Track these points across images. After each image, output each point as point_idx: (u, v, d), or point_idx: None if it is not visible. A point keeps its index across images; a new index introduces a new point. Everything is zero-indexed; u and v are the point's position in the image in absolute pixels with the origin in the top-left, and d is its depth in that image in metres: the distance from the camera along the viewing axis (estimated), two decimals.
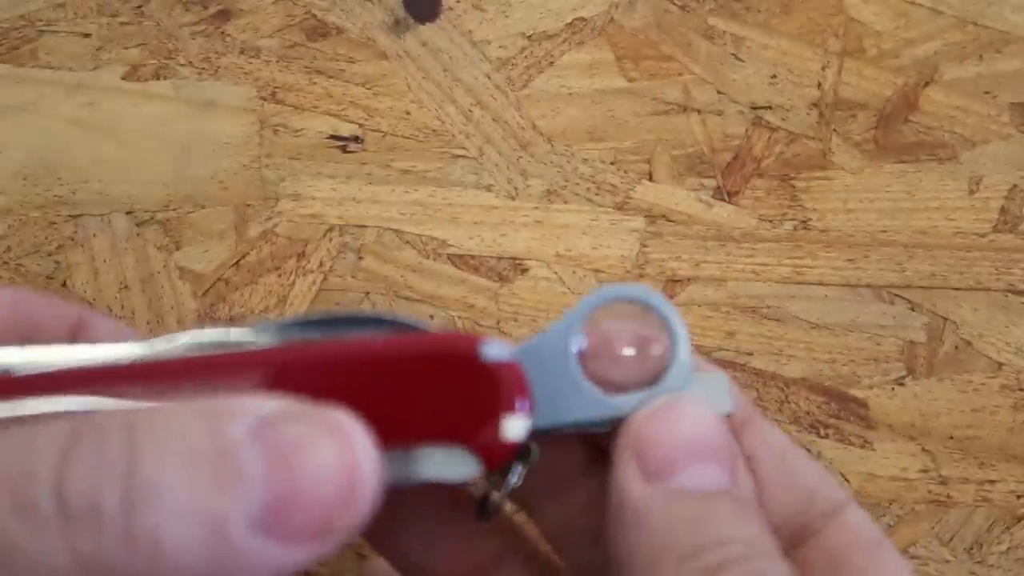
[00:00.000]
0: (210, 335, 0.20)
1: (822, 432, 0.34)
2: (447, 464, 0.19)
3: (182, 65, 0.37)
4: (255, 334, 0.20)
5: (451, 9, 0.38)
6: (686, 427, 0.19)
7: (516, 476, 0.21)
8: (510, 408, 0.19)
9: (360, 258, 0.36)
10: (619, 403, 0.20)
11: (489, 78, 0.37)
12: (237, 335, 0.20)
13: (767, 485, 0.21)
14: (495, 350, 0.19)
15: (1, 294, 0.24)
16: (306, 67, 0.38)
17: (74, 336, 0.25)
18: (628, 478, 0.19)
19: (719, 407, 0.21)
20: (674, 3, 0.38)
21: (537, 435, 0.20)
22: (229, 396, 0.17)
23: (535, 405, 0.20)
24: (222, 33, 0.38)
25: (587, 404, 0.20)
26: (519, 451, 0.20)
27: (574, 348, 0.21)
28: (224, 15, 0.38)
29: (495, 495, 0.21)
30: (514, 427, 0.19)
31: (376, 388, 0.18)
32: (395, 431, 0.18)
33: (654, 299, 0.21)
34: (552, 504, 0.23)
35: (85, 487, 0.15)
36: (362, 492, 0.16)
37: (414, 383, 0.19)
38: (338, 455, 0.16)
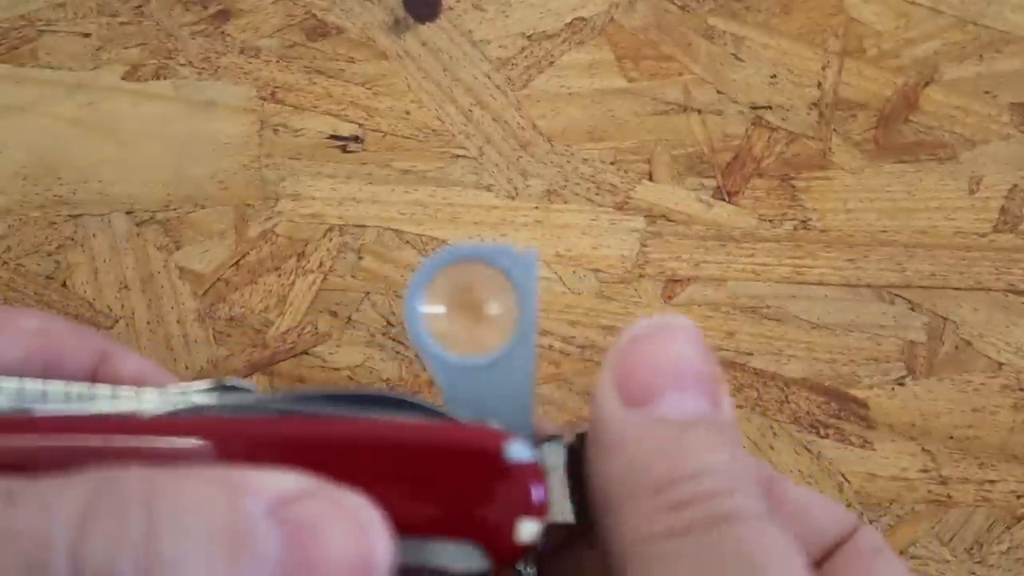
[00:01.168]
0: (229, 399, 0.20)
1: (822, 432, 0.34)
2: (455, 555, 0.18)
3: (182, 65, 0.37)
4: (276, 400, 0.20)
5: (451, 9, 0.38)
6: (668, 351, 0.19)
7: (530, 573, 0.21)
8: (527, 511, 0.19)
9: (360, 258, 0.36)
10: (455, 360, 0.20)
11: (489, 78, 0.37)
12: (255, 398, 0.20)
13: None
14: (519, 451, 0.19)
15: (28, 320, 0.24)
16: (306, 67, 0.38)
17: (96, 369, 0.25)
18: (608, 402, 0.19)
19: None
20: (674, 3, 0.38)
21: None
22: (248, 467, 0.16)
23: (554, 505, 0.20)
24: (222, 33, 0.38)
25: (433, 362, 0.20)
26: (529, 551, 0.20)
27: (420, 311, 0.20)
28: (224, 15, 0.38)
29: None
30: (529, 530, 0.18)
31: (394, 473, 0.18)
32: (408, 519, 0.18)
33: (486, 253, 0.20)
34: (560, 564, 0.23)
35: (101, 558, 0.15)
36: None
37: (433, 473, 0.18)
38: (354, 542, 0.16)
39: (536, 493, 0.19)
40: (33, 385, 0.20)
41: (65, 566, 0.14)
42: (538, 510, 0.19)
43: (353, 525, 0.16)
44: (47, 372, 0.24)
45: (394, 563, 0.16)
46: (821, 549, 0.21)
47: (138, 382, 0.24)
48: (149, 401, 0.20)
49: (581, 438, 0.20)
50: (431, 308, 0.21)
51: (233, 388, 0.21)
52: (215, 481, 0.16)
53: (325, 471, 0.17)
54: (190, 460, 0.17)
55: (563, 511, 0.20)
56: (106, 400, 0.20)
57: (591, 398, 0.19)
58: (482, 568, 0.19)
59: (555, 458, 0.20)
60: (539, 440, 0.20)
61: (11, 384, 0.20)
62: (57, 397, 0.20)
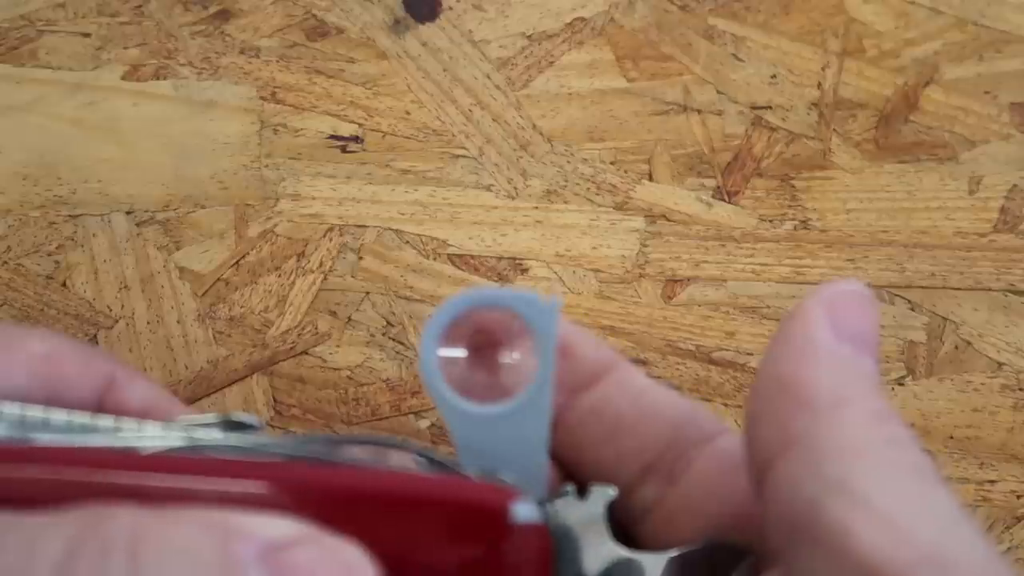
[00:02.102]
0: (232, 437, 0.20)
1: None
2: None
3: (182, 65, 0.37)
4: (279, 443, 0.19)
5: (451, 9, 0.38)
6: (867, 316, 0.20)
7: None
8: (531, 574, 0.18)
9: (360, 258, 0.36)
10: (478, 411, 0.19)
11: (489, 78, 0.37)
12: (258, 440, 0.19)
13: (623, 423, 0.21)
14: (526, 512, 0.18)
15: (34, 343, 0.24)
16: (306, 67, 0.38)
17: (102, 395, 0.24)
18: (821, 328, 0.19)
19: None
20: (674, 3, 0.38)
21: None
22: (240, 510, 0.16)
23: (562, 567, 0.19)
24: (222, 33, 0.38)
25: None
26: None
27: (435, 363, 0.20)
28: (224, 15, 0.38)
29: None
30: None
31: (396, 526, 0.17)
32: (404, 572, 0.17)
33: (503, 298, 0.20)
34: None
35: None
36: None
37: (435, 528, 0.18)
38: None
39: (542, 557, 0.18)
40: (35, 413, 0.20)
41: None
42: (542, 573, 0.18)
43: None
44: (51, 397, 0.23)
45: None
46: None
47: (144, 411, 0.24)
48: (151, 436, 0.20)
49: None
50: (447, 352, 0.20)
51: (239, 424, 0.21)
52: (205, 523, 0.16)
53: (323, 520, 0.17)
54: (184, 500, 0.17)
55: (608, 553, 0.19)
56: (107, 433, 0.20)
57: (790, 314, 0.20)
58: None
59: (575, 511, 0.19)
60: (554, 493, 0.20)
61: (13, 410, 0.20)
62: (59, 426, 0.20)
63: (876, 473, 0.17)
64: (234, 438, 0.20)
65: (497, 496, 0.18)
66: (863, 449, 0.17)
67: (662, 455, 0.21)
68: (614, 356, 0.23)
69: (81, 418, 0.20)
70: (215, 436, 0.20)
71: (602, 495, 0.19)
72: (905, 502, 0.17)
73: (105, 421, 0.20)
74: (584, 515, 0.19)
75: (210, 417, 0.20)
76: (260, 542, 0.16)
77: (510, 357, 0.20)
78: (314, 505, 0.17)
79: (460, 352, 0.20)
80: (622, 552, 0.19)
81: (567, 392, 0.22)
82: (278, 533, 0.16)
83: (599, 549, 0.19)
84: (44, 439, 0.19)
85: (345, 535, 0.16)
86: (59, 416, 0.20)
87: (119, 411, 0.24)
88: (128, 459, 0.18)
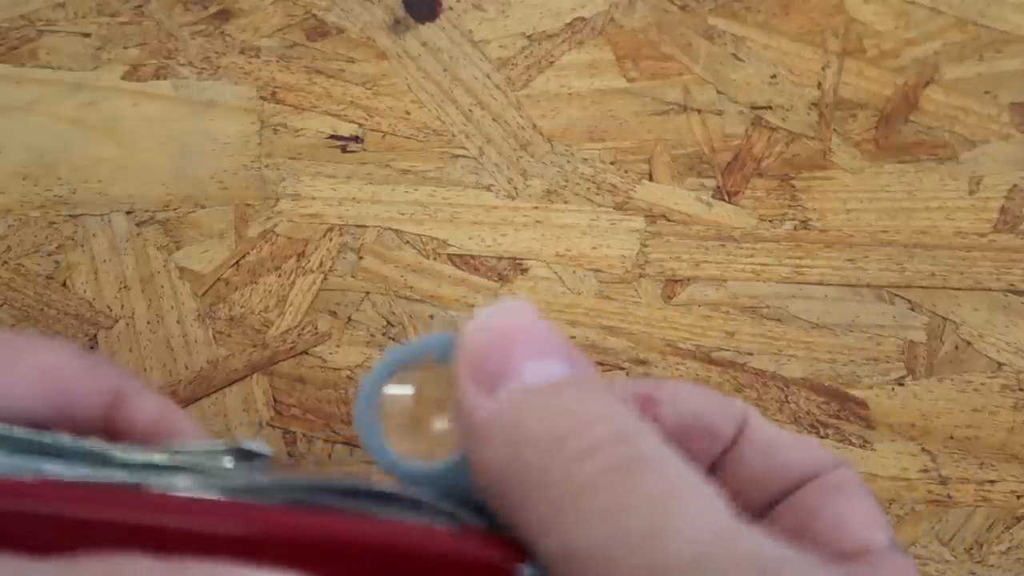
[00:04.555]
0: (241, 471, 0.19)
1: (822, 432, 0.34)
2: None
3: (182, 65, 0.37)
4: (288, 484, 0.19)
5: (451, 9, 0.38)
6: (514, 328, 0.18)
7: None
8: None
9: (360, 258, 0.36)
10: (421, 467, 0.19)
11: (489, 78, 0.37)
12: (268, 482, 0.19)
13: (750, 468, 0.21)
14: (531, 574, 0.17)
15: (39, 355, 0.23)
16: (306, 67, 0.38)
17: (110, 411, 0.24)
18: (470, 396, 0.17)
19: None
20: (674, 3, 0.38)
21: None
22: (251, 565, 0.16)
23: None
24: (222, 33, 0.38)
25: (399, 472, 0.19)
26: None
27: (374, 424, 0.19)
28: (224, 15, 0.38)
29: None
30: None
31: None
32: None
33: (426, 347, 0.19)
34: None
35: None
36: None
37: None
38: None
39: None
40: (44, 439, 0.20)
41: None
42: None
43: None
44: (57, 412, 0.22)
45: None
46: (783, 485, 0.20)
47: (153, 426, 0.23)
48: (160, 463, 0.19)
49: None
50: (392, 389, 0.20)
51: (248, 453, 0.20)
52: None
53: (328, 571, 0.17)
54: (194, 547, 0.17)
55: None
56: (117, 467, 0.20)
57: (454, 404, 0.18)
58: None
59: None
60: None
61: (20, 435, 0.19)
62: (68, 453, 0.19)
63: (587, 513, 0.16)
64: (243, 472, 0.19)
65: (504, 557, 0.17)
66: (563, 498, 0.16)
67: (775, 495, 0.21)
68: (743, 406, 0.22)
69: (91, 444, 0.20)
70: (224, 466, 0.20)
71: None
72: (616, 532, 0.15)
73: (114, 451, 0.20)
74: None
75: (219, 444, 0.20)
76: None
77: (443, 420, 0.20)
78: (320, 556, 0.17)
79: (407, 389, 0.20)
80: None
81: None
82: None
83: None
84: (52, 470, 0.19)
85: None
86: (68, 442, 0.19)
87: (127, 427, 0.23)
88: (140, 499, 0.18)
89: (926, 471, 0.33)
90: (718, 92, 0.37)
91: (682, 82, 0.37)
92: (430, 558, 0.17)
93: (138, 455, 0.19)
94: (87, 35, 0.38)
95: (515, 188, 0.36)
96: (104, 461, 0.19)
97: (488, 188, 0.36)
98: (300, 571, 0.16)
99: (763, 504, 0.21)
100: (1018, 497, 0.33)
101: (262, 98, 0.37)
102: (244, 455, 0.20)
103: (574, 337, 0.35)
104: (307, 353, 0.36)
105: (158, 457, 0.19)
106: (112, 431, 0.24)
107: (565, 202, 0.36)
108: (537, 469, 0.16)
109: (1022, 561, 0.32)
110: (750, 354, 0.34)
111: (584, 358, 0.19)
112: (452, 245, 0.36)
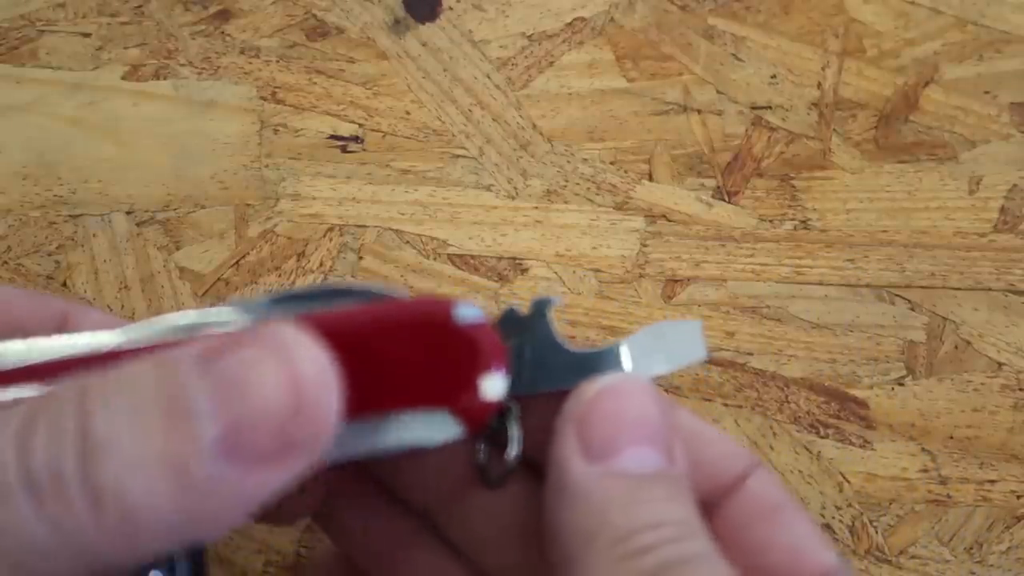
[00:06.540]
0: (191, 316, 0.20)
1: (822, 432, 0.34)
2: (429, 427, 0.19)
3: (182, 65, 0.37)
4: (236, 312, 0.20)
5: (451, 9, 0.38)
6: (628, 409, 0.20)
7: (515, 440, 0.21)
8: (487, 368, 0.19)
9: (360, 258, 0.36)
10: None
11: (489, 78, 0.37)
12: (218, 314, 0.20)
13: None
14: (468, 312, 0.19)
15: None
16: (306, 67, 0.38)
17: (59, 331, 0.25)
18: (569, 455, 0.19)
19: (693, 354, 0.21)
20: (674, 3, 0.38)
21: (520, 398, 0.20)
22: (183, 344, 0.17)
23: (520, 371, 0.20)
24: (222, 33, 0.38)
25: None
26: (500, 410, 0.20)
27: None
28: (224, 15, 0.38)
29: (509, 456, 0.21)
30: (493, 386, 0.19)
31: (354, 357, 0.18)
32: (376, 398, 0.19)
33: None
34: (462, 508, 0.23)
35: (45, 457, 0.15)
36: (311, 398, 0.16)
37: (392, 350, 0.19)
38: (281, 369, 0.16)
39: (491, 350, 0.19)
40: None
41: (17, 479, 0.15)
42: (496, 365, 0.19)
43: (280, 354, 0.16)
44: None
45: (340, 381, 0.17)
46: (716, 487, 0.21)
47: None
48: (112, 341, 0.20)
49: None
50: None
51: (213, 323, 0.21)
52: (148, 360, 0.16)
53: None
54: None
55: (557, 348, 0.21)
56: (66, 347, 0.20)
57: (551, 448, 0.20)
58: (458, 434, 0.19)
59: (521, 321, 0.21)
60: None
61: None
62: (17, 353, 0.20)
63: None
64: (188, 318, 0.20)
65: (438, 305, 0.20)
66: None
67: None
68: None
69: (40, 343, 0.20)
70: (168, 325, 0.20)
71: (544, 304, 0.21)
72: None
73: (63, 338, 0.20)
74: (529, 322, 0.21)
75: (161, 319, 0.21)
76: (195, 356, 0.16)
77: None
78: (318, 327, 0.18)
79: None
80: (571, 348, 0.21)
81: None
82: (211, 343, 0.16)
83: (551, 348, 0.21)
84: (3, 363, 0.20)
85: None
86: (16, 345, 0.20)
87: None
88: (88, 358, 0.19)
89: (926, 471, 0.33)
90: (718, 92, 0.37)
91: (682, 82, 0.37)
92: (373, 327, 0.19)
93: (85, 340, 0.20)
94: (87, 35, 0.38)
95: (515, 188, 0.36)
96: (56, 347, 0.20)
97: (488, 188, 0.36)
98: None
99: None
100: (1018, 497, 0.33)
101: (262, 98, 0.37)
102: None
103: (574, 337, 0.35)
104: None
105: (105, 337, 0.20)
106: None
107: (565, 202, 0.36)
108: (605, 547, 0.18)
109: (1022, 561, 0.32)
110: (750, 354, 0.34)
111: (679, 450, 0.20)
112: (452, 245, 0.36)
